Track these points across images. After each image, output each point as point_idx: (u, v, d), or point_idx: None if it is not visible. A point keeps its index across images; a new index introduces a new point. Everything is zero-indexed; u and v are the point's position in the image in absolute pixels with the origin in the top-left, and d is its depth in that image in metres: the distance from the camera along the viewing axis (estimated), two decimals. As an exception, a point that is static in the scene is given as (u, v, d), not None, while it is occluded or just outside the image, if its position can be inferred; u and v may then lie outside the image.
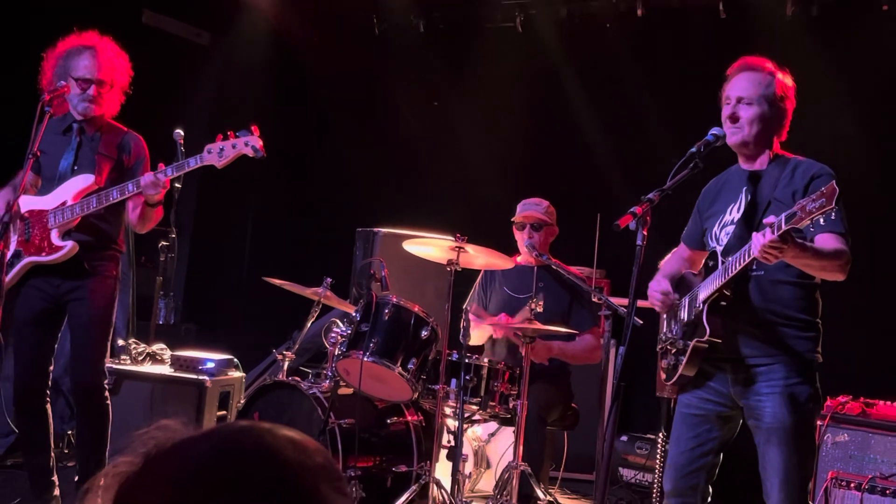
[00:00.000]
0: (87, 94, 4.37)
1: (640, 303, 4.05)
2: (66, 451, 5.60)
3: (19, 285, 4.40)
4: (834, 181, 2.91)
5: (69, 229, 4.32)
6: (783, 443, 3.26)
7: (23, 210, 4.38)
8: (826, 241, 3.19)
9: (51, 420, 4.49)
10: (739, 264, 3.17)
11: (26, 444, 4.58)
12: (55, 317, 4.43)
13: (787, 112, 3.43)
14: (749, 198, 3.41)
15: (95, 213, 4.31)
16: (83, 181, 4.34)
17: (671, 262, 3.77)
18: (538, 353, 4.92)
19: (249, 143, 4.16)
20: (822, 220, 2.95)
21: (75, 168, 4.39)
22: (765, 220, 3.01)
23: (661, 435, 4.96)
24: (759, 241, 2.96)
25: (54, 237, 4.31)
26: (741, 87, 3.42)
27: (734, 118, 3.39)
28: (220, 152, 4.17)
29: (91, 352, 4.38)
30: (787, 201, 3.24)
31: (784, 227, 2.89)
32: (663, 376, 3.60)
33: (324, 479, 1.07)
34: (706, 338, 3.28)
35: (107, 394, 4.47)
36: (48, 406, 4.47)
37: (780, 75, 3.43)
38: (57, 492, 4.49)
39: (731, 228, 3.43)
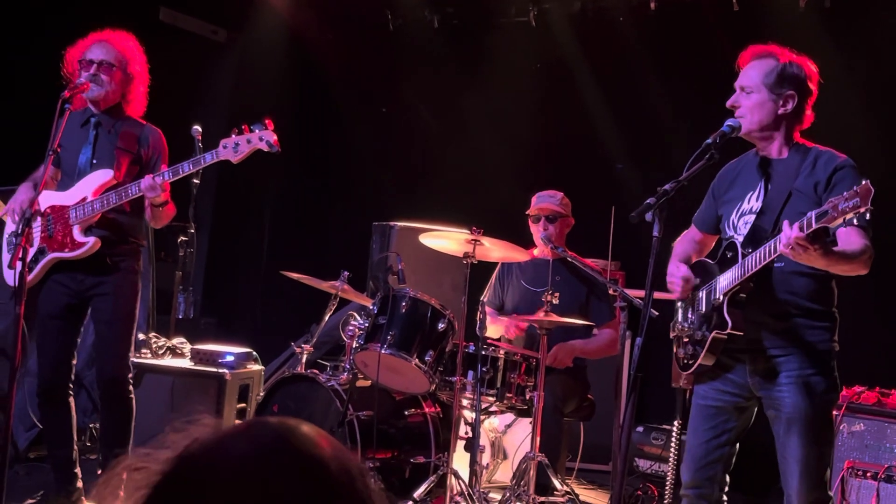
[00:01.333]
0: (89, 73, 4.36)
1: (658, 294, 4.09)
2: (88, 444, 5.67)
3: (42, 280, 4.45)
4: (861, 179, 2.89)
5: (90, 225, 4.37)
6: (803, 432, 3.28)
7: (44, 206, 4.42)
8: (849, 234, 3.19)
9: (74, 413, 4.55)
10: (764, 258, 3.17)
11: (50, 437, 4.64)
12: (78, 311, 4.47)
13: (801, 98, 3.38)
14: (769, 187, 3.41)
15: (116, 208, 4.35)
16: (102, 176, 4.37)
17: (682, 244, 3.76)
18: (562, 360, 4.96)
19: (264, 138, 4.18)
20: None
21: (94, 162, 4.41)
22: (785, 222, 3.00)
23: (676, 425, 4.98)
24: (787, 234, 2.96)
25: (76, 233, 4.35)
26: (744, 76, 3.43)
27: (735, 106, 3.41)
28: (234, 147, 4.19)
29: (116, 346, 4.42)
30: (808, 192, 3.25)
31: (814, 226, 2.89)
32: (678, 366, 3.62)
33: (358, 474, 1.09)
34: (727, 331, 3.30)
35: (131, 387, 4.51)
36: (71, 399, 4.52)
37: (789, 62, 3.39)
38: (80, 484, 4.54)
39: (750, 218, 3.42)
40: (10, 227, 4.44)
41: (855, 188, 2.81)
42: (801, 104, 3.40)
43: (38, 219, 4.40)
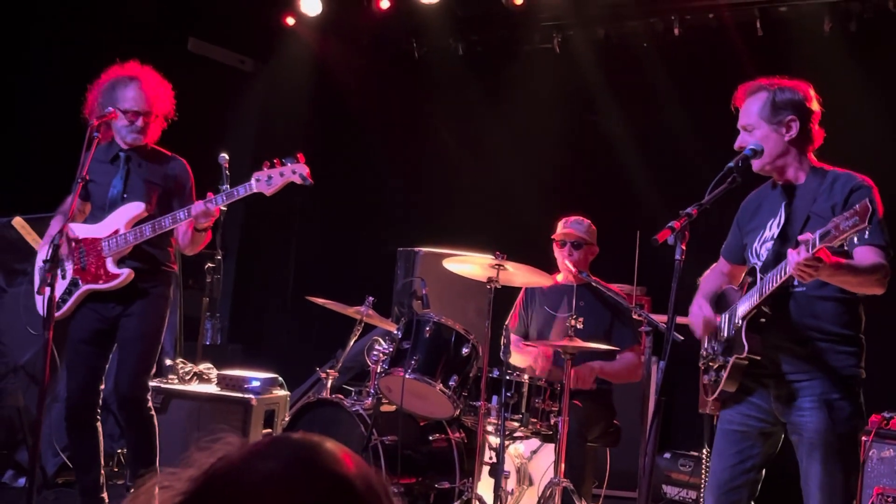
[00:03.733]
0: (136, 125, 4.49)
1: (681, 319, 4.07)
2: (115, 470, 5.71)
3: (75, 309, 4.52)
4: (868, 198, 2.89)
5: (123, 257, 4.44)
6: (826, 458, 3.24)
7: (76, 238, 4.50)
8: (864, 254, 3.18)
9: (101, 437, 4.59)
10: (776, 282, 3.17)
11: (77, 461, 4.68)
12: (108, 336, 4.54)
13: (803, 120, 3.38)
14: (788, 212, 3.41)
15: (147, 239, 4.43)
16: (134, 209, 4.45)
17: (710, 279, 3.75)
18: (584, 380, 4.93)
19: (297, 171, 4.25)
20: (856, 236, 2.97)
21: (125, 196, 4.49)
22: (800, 238, 3.02)
23: (704, 451, 4.94)
24: (793, 258, 2.97)
25: (110, 265, 4.43)
26: (742, 116, 3.46)
27: (741, 148, 3.41)
28: (268, 180, 4.26)
29: (134, 366, 4.46)
30: (826, 215, 3.23)
31: (818, 246, 2.90)
32: (705, 392, 3.61)
33: (384, 492, 1.10)
34: (745, 354, 3.28)
35: (150, 406, 4.54)
36: (99, 424, 4.57)
37: (778, 88, 3.40)
38: None
39: (770, 244, 3.42)
40: (41, 256, 4.49)
41: (855, 207, 2.82)
42: (805, 125, 3.39)
43: (73, 252, 4.46)
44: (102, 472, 4.60)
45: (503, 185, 7.73)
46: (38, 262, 4.53)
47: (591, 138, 7.63)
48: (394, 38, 8.27)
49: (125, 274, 4.42)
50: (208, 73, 7.91)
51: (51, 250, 4.03)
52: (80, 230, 4.51)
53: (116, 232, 4.42)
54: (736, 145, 3.44)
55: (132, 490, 1.18)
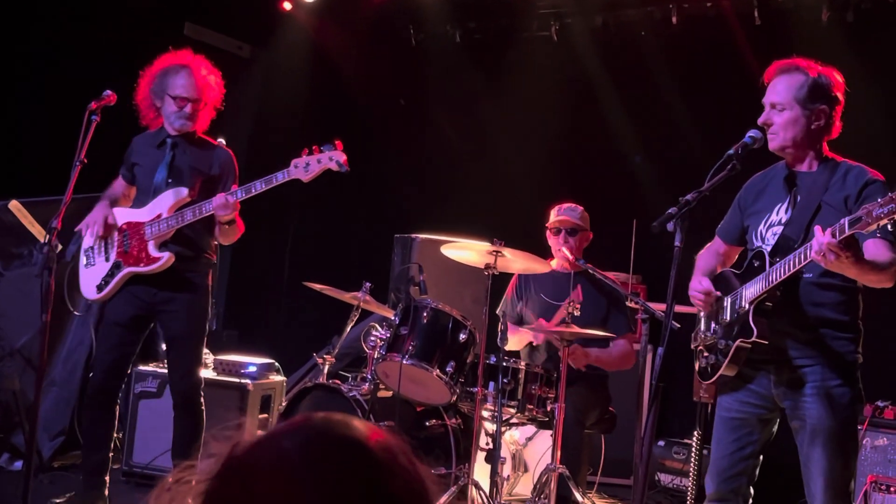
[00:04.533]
0: (184, 111, 4.59)
1: (678, 307, 4.08)
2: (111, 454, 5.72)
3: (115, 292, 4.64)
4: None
5: (165, 241, 4.53)
6: (827, 443, 3.26)
7: (120, 222, 4.62)
8: (876, 246, 3.19)
9: (115, 421, 4.69)
10: (794, 266, 3.15)
11: (88, 440, 4.75)
12: (143, 323, 4.65)
13: (830, 111, 3.38)
14: (798, 199, 3.40)
15: (188, 224, 4.51)
16: (176, 194, 4.54)
17: (706, 257, 3.76)
18: (576, 359, 4.94)
19: (334, 158, 4.33)
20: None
21: (169, 181, 4.59)
22: (816, 228, 3.00)
23: (696, 437, 4.96)
24: (820, 240, 2.95)
25: (151, 248, 4.53)
26: (774, 92, 3.42)
27: (767, 124, 3.40)
28: (305, 167, 4.35)
29: (185, 363, 4.61)
30: (838, 206, 3.25)
31: (847, 232, 2.89)
32: (700, 376, 3.62)
33: (400, 451, 1.10)
34: (753, 339, 3.28)
35: (202, 400, 4.65)
36: (116, 407, 4.68)
37: (817, 74, 3.38)
38: (106, 492, 4.64)
39: (778, 229, 3.41)
40: (87, 242, 4.66)
41: (890, 194, 2.79)
42: (831, 115, 3.39)
43: (115, 234, 4.60)
44: (110, 454, 4.67)
45: (501, 172, 7.73)
46: (84, 248, 4.69)
47: (589, 125, 7.62)
48: (391, 25, 8.24)
49: (165, 257, 4.50)
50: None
51: (48, 235, 4.06)
52: (124, 214, 4.64)
53: (159, 216, 4.52)
54: (760, 120, 3.43)
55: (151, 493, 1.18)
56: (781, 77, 3.43)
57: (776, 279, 3.24)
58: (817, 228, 3.02)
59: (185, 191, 4.54)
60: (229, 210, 4.42)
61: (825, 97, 3.37)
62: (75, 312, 5.54)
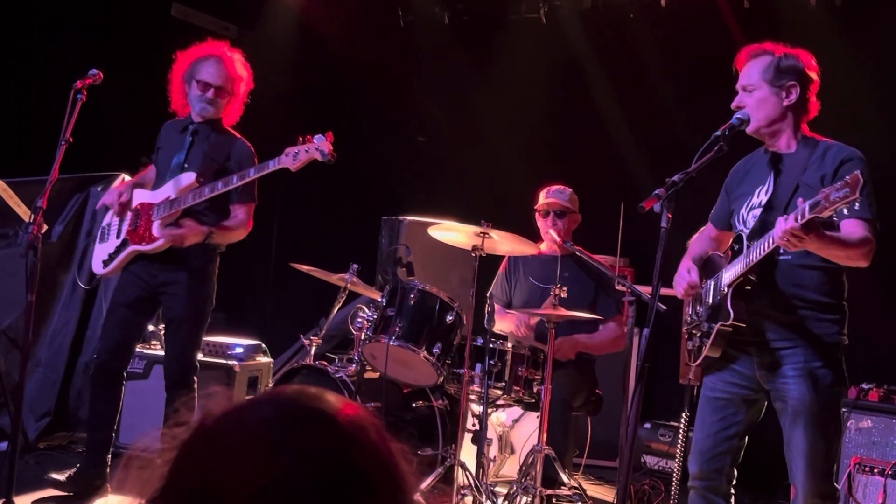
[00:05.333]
0: (206, 96, 4.65)
1: (664, 290, 4.08)
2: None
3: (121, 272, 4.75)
4: (859, 170, 2.91)
5: (170, 223, 4.57)
6: (809, 425, 3.28)
7: (135, 203, 4.72)
8: (852, 227, 3.20)
9: (120, 401, 4.74)
10: (763, 250, 3.19)
11: (92, 418, 4.80)
12: (148, 304, 4.73)
13: (803, 87, 3.40)
14: (777, 181, 3.42)
15: (197, 208, 4.58)
16: (186, 179, 4.60)
17: (698, 241, 3.78)
18: (565, 352, 4.96)
19: (319, 148, 4.33)
20: (845, 207, 2.99)
21: (185, 166, 4.66)
22: (783, 217, 3.04)
23: (683, 419, 4.99)
24: (781, 226, 3.00)
25: (155, 228, 4.59)
26: (744, 76, 3.47)
27: (739, 107, 3.43)
28: (295, 156, 4.37)
29: (180, 347, 4.65)
30: (815, 185, 3.24)
31: (807, 216, 2.92)
32: (688, 358, 3.63)
33: (371, 426, 1.10)
34: (730, 322, 3.31)
35: (195, 385, 4.66)
36: (121, 387, 4.73)
37: (784, 54, 3.42)
38: (107, 471, 4.70)
39: (758, 212, 3.43)
40: (107, 219, 4.82)
41: (846, 178, 2.84)
42: (804, 93, 3.41)
43: (129, 213, 4.71)
44: (112, 434, 4.72)
45: (489, 154, 7.72)
46: (103, 224, 4.86)
47: (577, 108, 7.62)
48: (380, 6, 8.21)
49: (163, 238, 4.54)
50: (192, 39, 7.77)
51: (33, 215, 4.07)
52: (141, 195, 4.74)
53: (168, 198, 4.59)
54: (733, 104, 3.46)
55: (119, 462, 1.19)
56: (751, 61, 3.47)
57: (749, 263, 3.27)
58: (780, 217, 3.05)
59: (193, 175, 4.58)
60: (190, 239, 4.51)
61: (793, 74, 3.40)
62: (82, 285, 5.72)
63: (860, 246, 3.19)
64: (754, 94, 3.41)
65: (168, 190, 4.61)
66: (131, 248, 4.65)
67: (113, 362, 4.67)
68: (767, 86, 3.40)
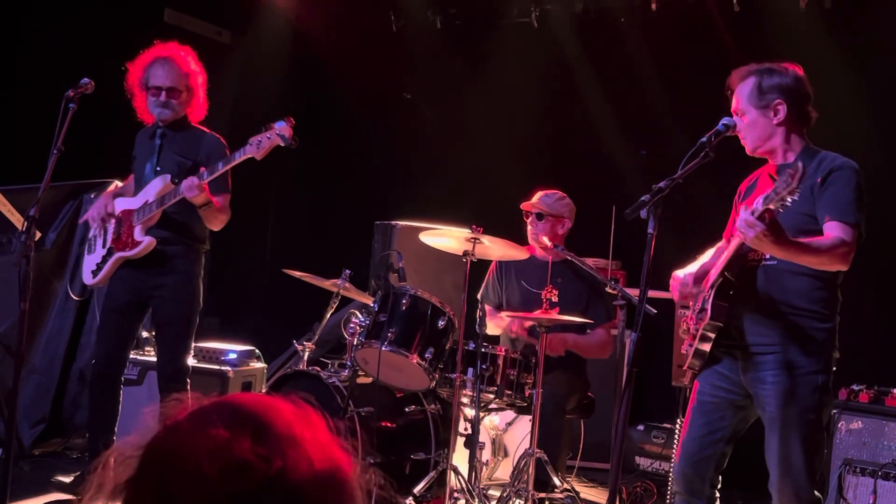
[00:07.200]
0: (160, 100, 4.70)
1: (655, 293, 4.11)
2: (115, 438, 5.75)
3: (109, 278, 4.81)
4: (848, 178, 3.04)
5: (150, 226, 4.65)
6: (785, 432, 3.27)
7: (117, 211, 4.78)
8: (830, 230, 3.22)
9: (119, 405, 4.79)
10: (733, 248, 3.25)
11: (93, 422, 4.86)
12: (138, 309, 4.78)
13: (791, 102, 3.40)
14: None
15: (176, 209, 4.62)
16: (161, 182, 4.65)
17: (710, 253, 3.78)
18: (554, 346, 4.98)
19: (281, 133, 4.34)
20: (832, 205, 3.10)
21: (158, 170, 4.72)
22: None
23: (678, 423, 5.02)
24: (741, 215, 3.05)
25: (137, 233, 4.66)
26: (734, 101, 3.49)
27: (737, 133, 3.46)
28: (258, 144, 4.38)
29: (171, 348, 4.71)
30: (805, 194, 3.24)
31: (760, 208, 2.96)
32: (682, 361, 3.65)
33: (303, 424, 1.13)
34: (707, 321, 3.33)
35: (188, 388, 4.68)
36: (119, 392, 4.80)
37: (768, 73, 3.43)
38: None
39: None
40: (92, 231, 4.90)
41: (788, 170, 2.89)
42: (794, 107, 3.41)
43: (112, 222, 4.77)
44: (115, 438, 4.76)
45: (480, 159, 7.74)
46: (91, 232, 4.92)
47: (569, 112, 7.65)
48: (372, 11, 8.23)
49: (146, 241, 4.63)
50: (185, 45, 7.83)
51: (27, 223, 4.10)
52: (122, 203, 4.80)
53: (146, 203, 4.65)
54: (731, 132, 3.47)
55: (91, 466, 1.22)
56: (740, 85, 3.49)
57: (724, 262, 3.32)
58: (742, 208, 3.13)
59: (168, 177, 4.64)
60: (196, 191, 4.47)
61: (777, 90, 3.41)
62: (74, 297, 5.77)
63: (831, 249, 3.19)
64: (745, 118, 3.44)
65: (146, 195, 4.68)
66: (117, 255, 4.72)
67: (110, 368, 4.75)
68: (754, 109, 3.42)
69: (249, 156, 4.41)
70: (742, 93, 3.46)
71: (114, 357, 4.75)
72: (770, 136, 3.43)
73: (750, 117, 3.43)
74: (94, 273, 4.80)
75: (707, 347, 3.40)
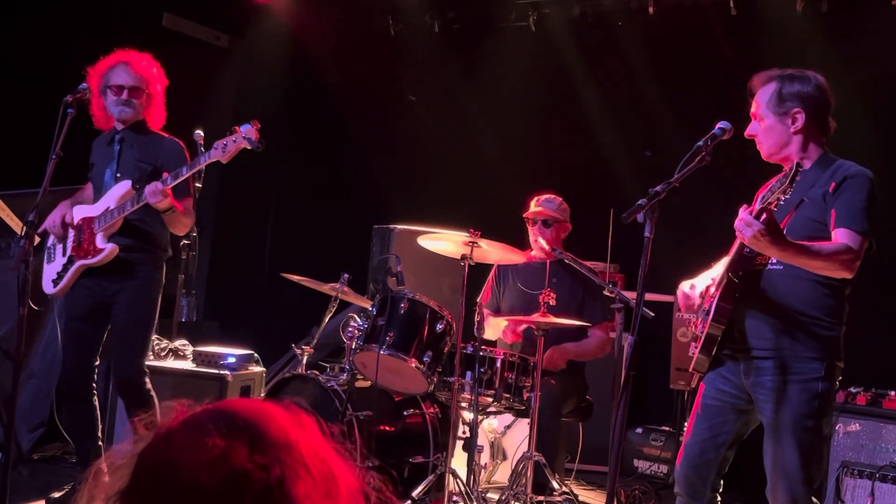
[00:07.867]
0: (121, 98, 4.64)
1: (653, 296, 4.13)
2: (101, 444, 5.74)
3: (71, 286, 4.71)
4: (860, 185, 3.08)
5: (112, 232, 4.59)
6: (782, 438, 3.25)
7: (76, 219, 4.70)
8: (838, 235, 3.21)
9: (96, 410, 4.73)
10: (734, 248, 3.27)
11: (73, 431, 4.87)
12: (101, 315, 4.68)
13: (810, 111, 3.38)
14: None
15: (137, 216, 4.57)
16: (122, 187, 4.60)
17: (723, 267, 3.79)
18: (555, 362, 5.00)
19: (247, 136, 4.33)
20: (842, 212, 3.11)
21: (118, 176, 4.66)
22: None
23: (682, 427, 5.03)
24: (740, 214, 3.06)
25: (98, 240, 4.59)
26: (754, 105, 3.49)
27: (751, 136, 3.47)
28: (223, 148, 4.36)
29: (127, 352, 4.62)
30: (816, 200, 3.26)
31: (756, 207, 2.98)
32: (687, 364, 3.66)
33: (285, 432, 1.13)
34: (709, 322, 3.33)
35: (149, 388, 4.66)
36: (93, 397, 4.72)
37: (790, 80, 3.42)
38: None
39: None
40: (51, 240, 4.79)
41: (785, 171, 2.90)
42: (813, 116, 3.40)
43: (72, 231, 4.69)
44: (100, 443, 4.73)
45: (478, 163, 7.76)
46: (48, 245, 4.81)
47: (567, 115, 7.67)
48: (370, 15, 8.25)
49: (109, 248, 4.56)
50: (183, 49, 7.86)
51: (27, 229, 4.10)
52: (82, 211, 4.72)
53: (108, 209, 4.58)
54: (746, 133, 3.48)
55: (85, 473, 1.22)
56: (760, 89, 3.48)
57: (729, 261, 3.33)
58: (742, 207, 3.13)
59: (129, 183, 4.59)
60: (160, 196, 4.41)
61: (796, 98, 3.39)
62: (34, 307, 5.58)
63: (834, 254, 3.17)
64: (763, 124, 3.44)
65: (107, 201, 4.61)
66: (78, 263, 4.64)
67: (78, 375, 4.67)
68: (772, 115, 3.41)
69: (215, 159, 4.39)
70: (762, 98, 3.45)
71: (81, 366, 4.65)
72: (786, 143, 3.42)
73: (768, 123, 3.42)
74: (56, 282, 4.71)
75: (711, 349, 3.39)
